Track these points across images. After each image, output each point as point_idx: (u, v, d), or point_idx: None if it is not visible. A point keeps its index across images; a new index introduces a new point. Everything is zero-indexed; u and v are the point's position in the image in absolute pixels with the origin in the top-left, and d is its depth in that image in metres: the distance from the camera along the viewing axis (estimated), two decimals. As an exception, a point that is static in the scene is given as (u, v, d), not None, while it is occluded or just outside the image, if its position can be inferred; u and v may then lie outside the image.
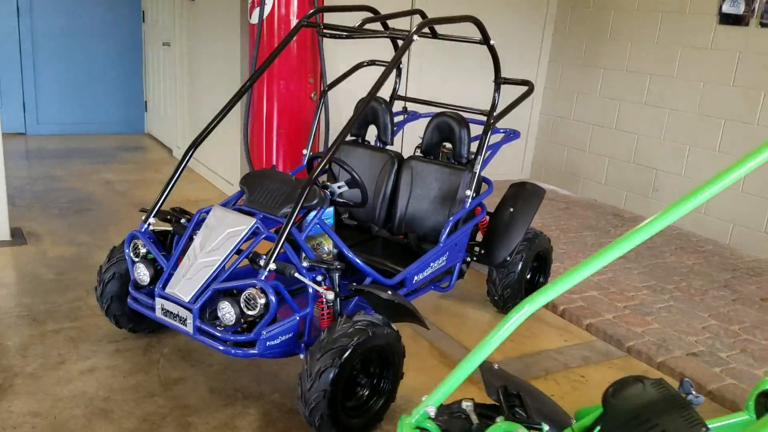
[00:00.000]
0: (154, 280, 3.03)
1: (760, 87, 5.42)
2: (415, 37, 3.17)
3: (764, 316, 4.27)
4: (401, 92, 5.80)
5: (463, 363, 1.85)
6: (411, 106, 4.79)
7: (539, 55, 7.24)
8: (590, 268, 1.72)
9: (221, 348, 2.76)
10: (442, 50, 6.31)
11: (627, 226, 5.99)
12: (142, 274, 3.03)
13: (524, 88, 3.81)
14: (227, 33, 5.92)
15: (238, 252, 2.90)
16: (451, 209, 3.64)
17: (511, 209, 3.77)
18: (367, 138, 4.20)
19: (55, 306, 3.79)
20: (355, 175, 3.22)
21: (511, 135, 3.98)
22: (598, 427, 1.69)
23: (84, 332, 3.53)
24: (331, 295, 2.76)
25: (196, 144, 3.41)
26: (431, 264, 3.40)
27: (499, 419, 1.84)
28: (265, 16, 5.07)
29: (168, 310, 2.88)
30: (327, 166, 3.17)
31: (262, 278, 2.68)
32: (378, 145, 4.13)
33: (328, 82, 4.80)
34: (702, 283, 4.74)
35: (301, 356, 2.86)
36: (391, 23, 3.89)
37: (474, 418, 1.87)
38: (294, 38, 5.13)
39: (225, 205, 3.23)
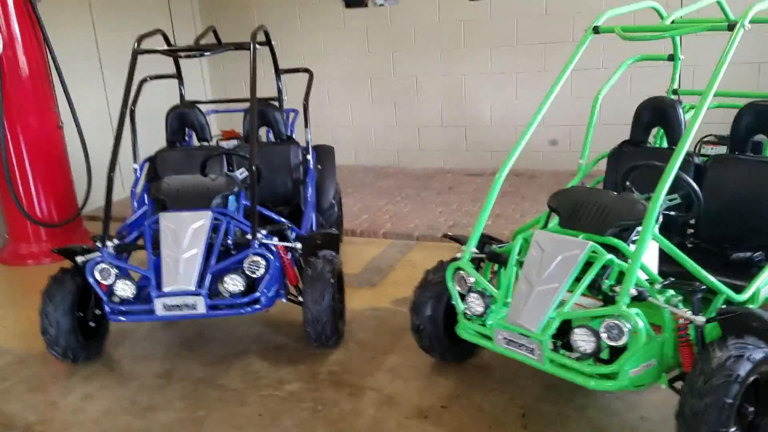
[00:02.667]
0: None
1: (388, 49, 7.54)
2: (259, 46, 4.12)
3: (458, 197, 6.43)
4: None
5: (477, 224, 3.22)
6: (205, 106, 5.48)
7: (198, 63, 8.22)
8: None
9: (232, 312, 3.50)
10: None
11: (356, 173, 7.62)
12: (127, 289, 3.47)
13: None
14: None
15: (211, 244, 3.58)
16: (293, 175, 4.71)
17: (320, 166, 5.01)
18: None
19: (-33, 379, 3.70)
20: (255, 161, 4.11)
21: (296, 112, 5.19)
22: (556, 219, 3.25)
23: (35, 379, 3.65)
24: (299, 245, 3.73)
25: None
26: (310, 216, 4.50)
27: (494, 245, 3.28)
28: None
29: (171, 305, 3.44)
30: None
31: (256, 246, 3.52)
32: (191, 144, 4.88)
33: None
34: (412, 191, 6.72)
35: (283, 300, 3.77)
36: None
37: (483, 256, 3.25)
38: (26, 73, 5.27)
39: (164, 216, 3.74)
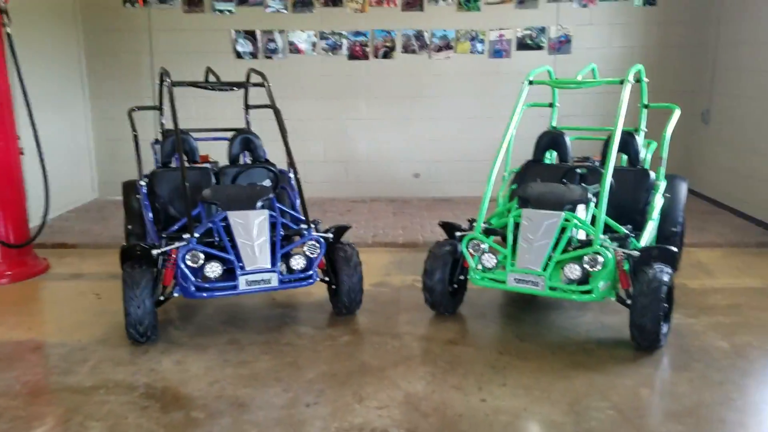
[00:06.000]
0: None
1: (276, 95, 8.65)
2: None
3: (360, 216, 7.76)
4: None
5: (480, 209, 4.64)
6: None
7: (83, 95, 8.56)
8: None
9: (294, 285, 4.49)
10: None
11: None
12: (217, 268, 4.27)
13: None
14: None
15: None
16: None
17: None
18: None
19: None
20: (275, 171, 5.07)
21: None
22: (525, 206, 4.75)
23: (115, 358, 4.21)
24: (330, 235, 4.80)
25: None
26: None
27: (487, 224, 4.74)
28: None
29: (252, 281, 4.33)
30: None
31: (312, 234, 4.56)
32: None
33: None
34: (317, 214, 7.83)
35: (317, 279, 4.79)
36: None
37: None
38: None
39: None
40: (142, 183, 5.28)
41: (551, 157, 5.85)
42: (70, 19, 8.31)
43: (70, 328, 4.71)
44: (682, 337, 4.51)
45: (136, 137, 5.35)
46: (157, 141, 6.03)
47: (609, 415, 3.54)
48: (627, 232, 4.58)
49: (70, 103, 8.38)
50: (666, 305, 4.24)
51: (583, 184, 4.88)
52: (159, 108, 5.91)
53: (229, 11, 8.54)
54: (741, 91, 7.68)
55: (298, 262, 4.50)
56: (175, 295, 4.48)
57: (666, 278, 4.13)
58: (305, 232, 4.65)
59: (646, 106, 5.69)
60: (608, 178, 4.49)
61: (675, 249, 4.36)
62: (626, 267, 4.35)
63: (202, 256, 4.31)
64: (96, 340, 4.49)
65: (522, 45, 8.65)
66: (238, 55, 8.62)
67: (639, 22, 8.53)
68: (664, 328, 4.27)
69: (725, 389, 3.81)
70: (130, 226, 5.56)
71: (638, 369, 4.07)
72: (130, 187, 5.57)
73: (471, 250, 4.57)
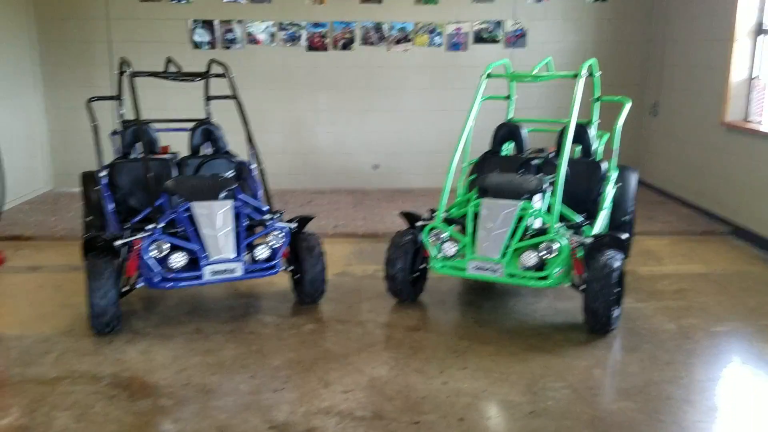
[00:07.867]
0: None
1: (251, 88, 8.65)
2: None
3: (321, 207, 7.82)
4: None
5: (441, 200, 4.76)
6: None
7: (35, 84, 8.38)
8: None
9: (258, 275, 4.53)
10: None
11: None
12: (182, 258, 4.29)
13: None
14: None
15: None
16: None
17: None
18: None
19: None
20: (238, 162, 5.09)
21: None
22: (484, 196, 4.90)
23: (79, 349, 4.20)
24: (294, 225, 4.86)
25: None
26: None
27: (445, 214, 4.87)
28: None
29: (216, 270, 4.37)
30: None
31: (276, 224, 4.61)
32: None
33: None
34: (278, 205, 7.90)
35: (281, 268, 4.85)
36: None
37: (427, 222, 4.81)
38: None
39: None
40: (102, 174, 5.24)
41: (508, 148, 6.02)
42: (21, 6, 8.11)
43: (30, 321, 4.67)
44: (633, 320, 4.73)
45: (96, 127, 5.30)
46: (115, 132, 5.97)
47: (564, 394, 3.72)
48: (581, 220, 4.76)
49: (22, 92, 8.19)
50: (617, 290, 4.44)
51: (539, 175, 5.04)
52: (118, 98, 5.86)
53: (186, 0, 8.46)
54: (686, 86, 7.99)
55: (262, 252, 4.56)
56: (139, 285, 4.49)
57: (617, 264, 4.32)
58: (269, 222, 4.70)
59: (598, 99, 5.90)
60: (563, 169, 4.67)
61: (626, 236, 4.57)
62: (580, 254, 4.54)
63: (166, 246, 4.32)
64: (58, 332, 4.47)
65: (478, 38, 8.80)
66: (196, 45, 8.56)
67: (591, 18, 8.78)
68: (616, 312, 4.47)
69: (673, 368, 4.02)
70: (89, 218, 5.50)
71: (591, 351, 4.26)
72: (89, 178, 5.52)
73: (432, 239, 4.70)
